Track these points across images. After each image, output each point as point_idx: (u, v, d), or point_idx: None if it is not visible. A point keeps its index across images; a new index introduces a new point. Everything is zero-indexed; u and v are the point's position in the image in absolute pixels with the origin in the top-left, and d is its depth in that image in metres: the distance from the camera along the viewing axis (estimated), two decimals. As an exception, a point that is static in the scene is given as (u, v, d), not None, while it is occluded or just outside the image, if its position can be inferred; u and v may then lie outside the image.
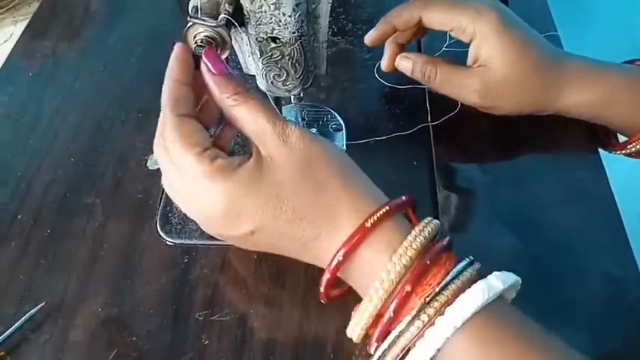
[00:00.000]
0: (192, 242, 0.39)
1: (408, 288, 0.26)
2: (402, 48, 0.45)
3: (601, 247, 0.38)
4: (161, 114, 0.31)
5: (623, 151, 0.43)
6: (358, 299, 0.29)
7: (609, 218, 0.39)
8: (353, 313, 0.29)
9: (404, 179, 0.42)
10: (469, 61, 0.41)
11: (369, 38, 0.43)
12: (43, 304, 0.36)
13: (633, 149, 0.42)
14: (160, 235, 0.40)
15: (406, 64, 0.43)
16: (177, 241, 0.39)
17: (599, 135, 0.45)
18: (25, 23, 0.58)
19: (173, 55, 0.32)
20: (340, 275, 0.30)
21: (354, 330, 0.29)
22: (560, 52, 0.42)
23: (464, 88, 0.41)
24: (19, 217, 0.41)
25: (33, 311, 0.36)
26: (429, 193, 0.42)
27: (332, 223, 0.29)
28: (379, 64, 0.48)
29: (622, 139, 0.44)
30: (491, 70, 0.40)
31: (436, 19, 0.41)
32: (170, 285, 0.37)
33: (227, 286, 0.37)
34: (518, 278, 0.28)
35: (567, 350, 0.26)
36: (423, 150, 0.44)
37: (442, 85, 0.42)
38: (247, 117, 0.30)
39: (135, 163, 0.44)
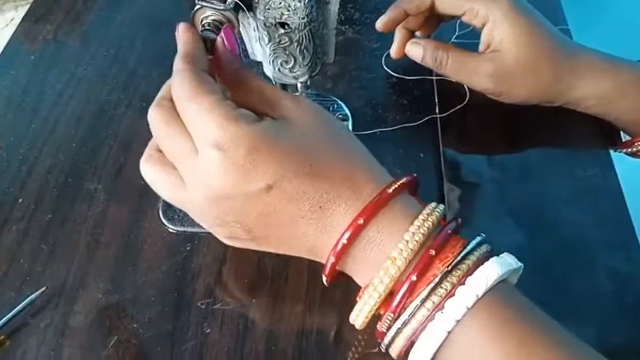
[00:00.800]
0: (194, 230, 0.39)
1: (432, 252, 0.26)
2: (411, 35, 0.44)
3: (609, 244, 0.38)
4: (168, 82, 0.30)
5: (627, 150, 0.43)
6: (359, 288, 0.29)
7: (618, 215, 0.39)
8: (362, 292, 0.28)
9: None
10: (481, 47, 0.41)
11: (381, 23, 0.43)
12: (44, 288, 0.36)
13: (635, 149, 0.42)
14: (163, 222, 0.39)
15: (417, 49, 0.43)
16: (179, 229, 0.39)
17: (604, 132, 0.44)
18: (26, 8, 0.57)
19: (180, 33, 0.31)
20: (347, 253, 0.28)
21: (362, 310, 0.27)
22: (574, 43, 0.41)
23: (476, 73, 0.41)
24: (20, 200, 0.41)
25: (33, 296, 0.35)
26: (436, 185, 0.41)
27: (352, 186, 0.28)
28: (387, 54, 0.47)
29: (624, 138, 0.43)
30: (503, 55, 0.39)
31: (448, 3, 0.40)
32: (172, 273, 0.37)
33: (230, 275, 0.37)
34: (521, 264, 0.28)
35: (569, 335, 0.27)
36: (430, 142, 0.44)
37: (454, 71, 0.42)
38: (263, 85, 0.30)
39: (138, 148, 0.43)
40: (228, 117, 0.26)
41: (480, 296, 0.25)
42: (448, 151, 0.43)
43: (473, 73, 0.41)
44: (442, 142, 0.43)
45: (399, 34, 0.44)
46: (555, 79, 0.40)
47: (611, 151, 0.44)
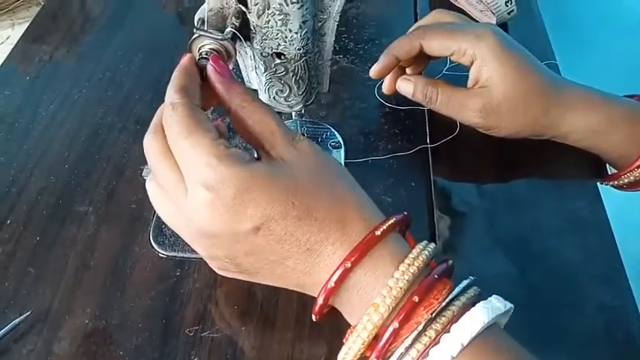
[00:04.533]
0: (185, 255, 0.39)
1: (416, 299, 0.25)
2: (403, 71, 0.45)
3: (598, 277, 0.38)
4: (163, 106, 0.30)
5: (614, 182, 0.43)
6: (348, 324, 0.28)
7: (606, 248, 0.39)
8: (347, 335, 0.28)
9: (401, 200, 0.42)
10: (470, 83, 0.42)
11: (374, 72, 0.44)
12: (28, 313, 0.35)
13: (623, 181, 0.42)
14: (153, 247, 0.39)
15: (407, 86, 0.44)
16: (170, 254, 0.39)
17: (592, 164, 0.45)
18: (23, 26, 0.58)
19: (180, 65, 0.31)
20: (335, 294, 0.28)
21: (349, 352, 0.27)
22: (561, 79, 0.42)
23: (465, 108, 0.41)
24: (9, 222, 0.40)
25: (17, 321, 0.35)
26: (426, 214, 0.42)
27: (341, 228, 0.28)
28: (380, 84, 0.48)
29: (610, 171, 0.44)
30: (492, 91, 0.40)
31: (436, 45, 0.42)
32: (161, 299, 0.37)
33: (219, 302, 0.37)
34: (512, 305, 0.28)
35: None
36: (421, 171, 0.44)
37: (443, 106, 0.43)
38: (256, 117, 0.29)
39: (130, 172, 0.43)
40: (220, 157, 0.27)
41: (465, 344, 0.25)
42: (439, 180, 0.43)
43: (462, 109, 0.42)
44: (433, 172, 0.44)
45: (384, 56, 0.45)
46: (544, 113, 0.41)
47: (599, 184, 0.44)
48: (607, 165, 0.45)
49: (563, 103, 0.41)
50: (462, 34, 0.41)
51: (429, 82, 0.43)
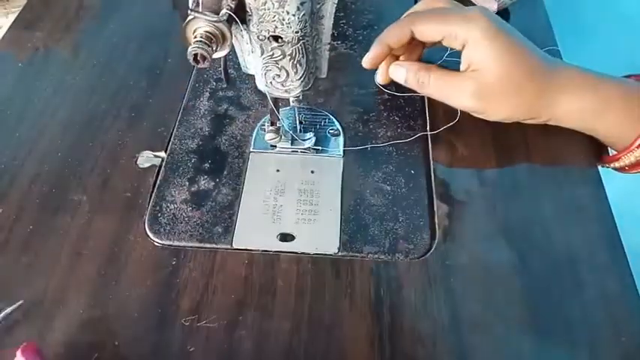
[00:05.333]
0: (181, 244, 0.38)
1: None
2: (396, 59, 0.45)
3: (599, 263, 0.37)
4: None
5: (613, 165, 0.43)
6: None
7: (607, 234, 0.39)
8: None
9: (401, 188, 0.42)
10: (462, 67, 0.41)
11: (367, 61, 0.44)
12: (20, 302, 0.35)
13: (622, 163, 0.42)
14: (148, 236, 0.38)
15: (399, 72, 0.43)
16: (165, 243, 0.38)
17: (594, 151, 0.44)
18: (16, 15, 0.57)
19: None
20: None
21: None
22: (553, 60, 0.42)
23: (458, 91, 0.41)
24: (1, 211, 0.39)
25: (9, 310, 0.34)
26: (426, 202, 0.41)
27: None
28: (377, 70, 0.47)
29: (612, 153, 0.43)
30: (484, 73, 0.40)
31: (427, 31, 0.41)
32: (156, 288, 0.36)
33: (216, 291, 0.36)
34: None
35: None
36: (420, 159, 0.44)
37: (436, 91, 0.42)
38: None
39: (125, 160, 0.43)
40: None
41: None
42: (438, 167, 0.43)
43: (455, 93, 0.41)
44: (432, 159, 0.43)
45: (375, 46, 0.44)
46: (537, 95, 0.40)
47: (601, 170, 0.44)
48: (608, 149, 0.44)
49: (555, 84, 0.40)
50: (452, 17, 0.40)
51: (421, 67, 0.42)
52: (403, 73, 0.43)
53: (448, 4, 0.44)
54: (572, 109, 0.40)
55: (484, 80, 0.40)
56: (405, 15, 0.45)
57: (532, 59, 0.40)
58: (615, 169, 0.43)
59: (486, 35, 0.39)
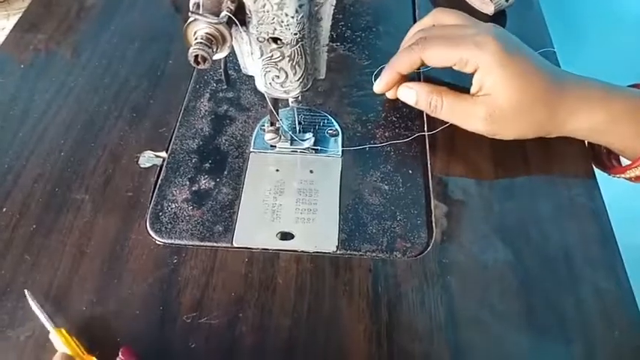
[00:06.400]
0: (182, 242, 0.39)
1: None
2: (401, 75, 0.44)
3: (594, 262, 0.38)
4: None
5: (623, 175, 0.43)
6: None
7: (602, 234, 0.39)
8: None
9: (398, 187, 0.42)
10: (473, 89, 0.41)
11: (379, 87, 0.45)
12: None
13: (632, 174, 0.42)
14: (150, 234, 0.39)
15: (410, 94, 0.43)
16: (167, 241, 0.39)
17: (601, 157, 0.45)
18: (18, 17, 0.57)
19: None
20: None
21: None
22: (564, 75, 0.42)
23: (470, 116, 0.41)
24: (4, 209, 0.40)
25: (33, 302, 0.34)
26: (424, 202, 0.42)
27: None
28: (377, 72, 0.48)
29: (624, 162, 0.44)
30: (496, 98, 0.40)
31: (437, 58, 0.41)
32: (158, 285, 0.37)
33: (216, 288, 0.37)
34: None
35: None
36: (418, 159, 0.44)
37: (448, 115, 0.43)
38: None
39: (127, 159, 0.43)
40: None
41: None
42: (436, 167, 0.43)
43: (467, 118, 0.42)
44: (430, 160, 0.44)
45: (388, 72, 0.44)
46: (549, 116, 0.40)
47: (596, 171, 0.44)
48: (620, 158, 0.44)
49: (567, 105, 0.40)
50: (462, 43, 0.40)
51: (432, 91, 0.42)
52: (414, 95, 0.43)
53: (457, 18, 0.44)
54: (582, 127, 0.41)
55: (496, 105, 0.40)
56: (413, 30, 0.45)
57: (543, 81, 0.40)
58: (624, 179, 0.44)
59: (497, 61, 0.39)
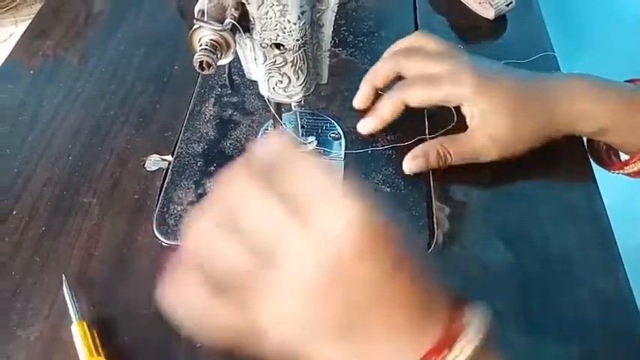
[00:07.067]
0: (187, 244, 0.39)
1: None
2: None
3: (594, 264, 0.38)
4: None
5: (622, 171, 0.44)
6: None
7: (602, 236, 0.40)
8: None
9: (400, 189, 0.43)
10: (468, 120, 0.43)
11: (358, 102, 0.47)
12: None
13: (632, 169, 0.43)
14: (156, 236, 0.40)
15: (418, 164, 0.43)
16: (173, 243, 0.39)
17: (601, 154, 0.45)
18: (25, 24, 0.58)
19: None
20: None
21: None
22: (550, 76, 0.43)
23: (477, 150, 0.42)
24: (14, 212, 0.41)
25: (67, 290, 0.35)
26: (425, 203, 0.42)
27: None
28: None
29: (624, 157, 0.44)
30: (490, 121, 0.41)
31: (419, 100, 0.43)
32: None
33: (221, 289, 0.37)
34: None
35: None
36: (420, 162, 0.45)
37: (460, 161, 0.43)
38: None
39: (133, 163, 0.44)
40: None
41: None
42: (437, 170, 0.44)
43: (476, 151, 0.42)
44: (432, 162, 0.44)
45: (365, 87, 0.46)
46: (547, 119, 0.41)
47: (596, 172, 0.45)
48: (620, 153, 0.45)
49: (560, 102, 0.41)
50: (441, 83, 0.42)
51: (434, 147, 0.43)
52: (423, 164, 0.43)
53: (436, 44, 0.45)
54: (583, 131, 0.42)
55: (495, 129, 0.41)
56: (391, 48, 0.47)
57: (528, 89, 0.41)
58: (625, 174, 0.44)
59: (478, 92, 0.41)
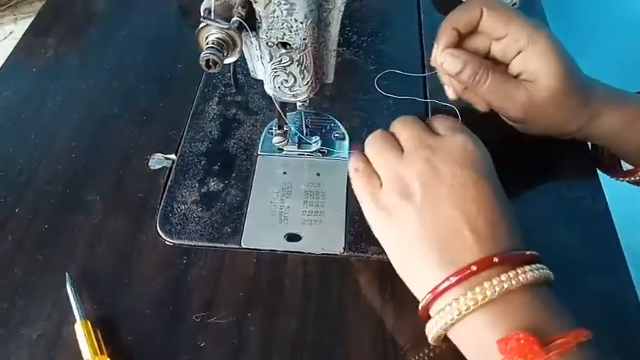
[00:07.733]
0: (191, 243, 0.39)
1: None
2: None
3: (597, 265, 0.38)
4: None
5: (629, 179, 0.43)
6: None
7: (605, 236, 0.40)
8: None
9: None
10: (511, 72, 0.40)
11: (443, 55, 0.40)
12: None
13: (638, 177, 0.43)
14: (160, 235, 0.39)
15: (456, 63, 0.39)
16: (176, 242, 0.39)
17: (604, 160, 0.45)
18: (26, 21, 0.58)
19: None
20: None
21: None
22: (590, 80, 0.42)
23: (510, 99, 0.40)
24: (17, 210, 0.41)
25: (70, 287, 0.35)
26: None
27: None
28: (380, 76, 0.48)
29: (626, 167, 0.44)
30: (539, 87, 0.39)
31: (494, 23, 0.39)
32: (167, 285, 0.37)
33: (225, 288, 0.37)
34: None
35: None
36: (423, 162, 0.45)
37: (489, 93, 0.40)
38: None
39: (137, 161, 0.44)
40: None
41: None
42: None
43: (506, 99, 0.40)
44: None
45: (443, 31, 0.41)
46: (574, 115, 0.40)
47: (600, 173, 0.45)
48: (621, 161, 0.45)
49: (595, 105, 0.40)
50: (521, 20, 0.39)
51: (481, 65, 0.39)
52: (459, 65, 0.39)
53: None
54: (594, 134, 0.42)
55: (537, 94, 0.39)
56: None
57: (579, 78, 0.40)
58: (630, 182, 0.44)
59: (548, 49, 0.38)
